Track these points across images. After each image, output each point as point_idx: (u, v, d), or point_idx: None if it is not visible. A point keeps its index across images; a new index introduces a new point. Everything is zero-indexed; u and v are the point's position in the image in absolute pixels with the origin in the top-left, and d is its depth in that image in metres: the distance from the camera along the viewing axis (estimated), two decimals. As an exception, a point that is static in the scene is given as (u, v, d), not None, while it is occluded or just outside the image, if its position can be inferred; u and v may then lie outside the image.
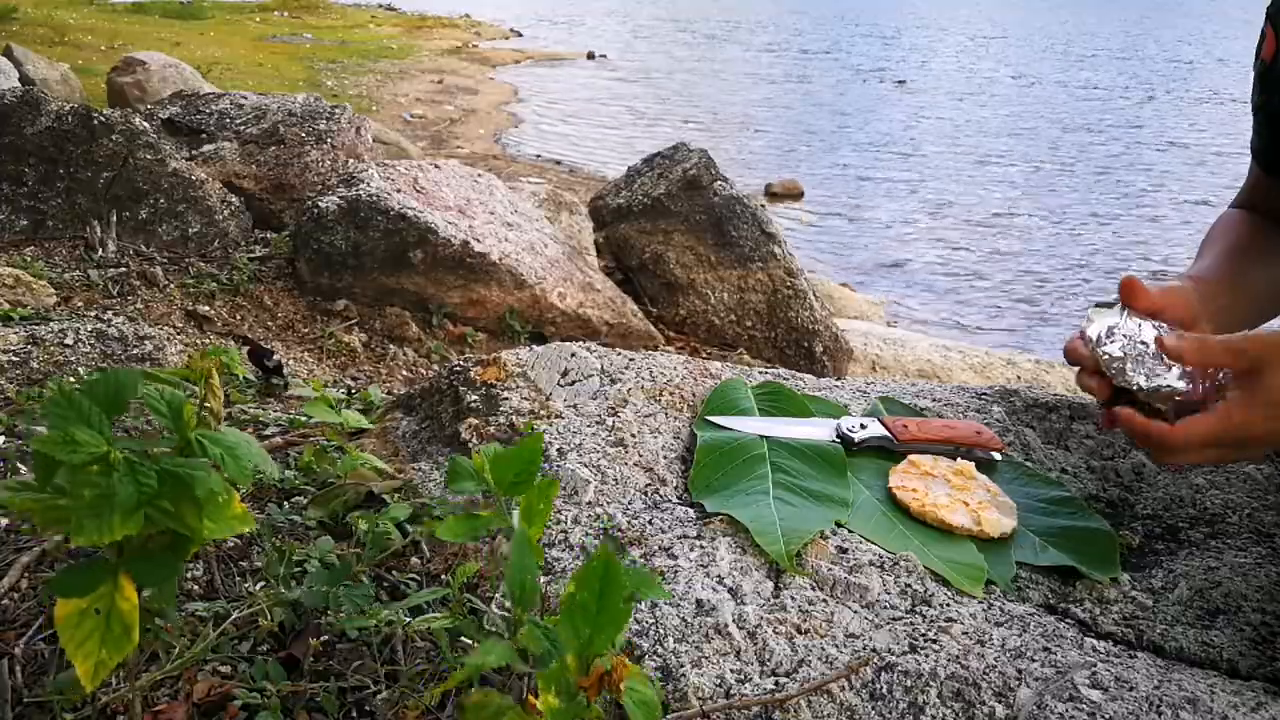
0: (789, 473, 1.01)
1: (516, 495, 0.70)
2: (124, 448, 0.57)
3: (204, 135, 3.46)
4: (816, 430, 1.09)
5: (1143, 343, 0.90)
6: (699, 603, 0.83)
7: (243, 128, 3.47)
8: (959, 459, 1.05)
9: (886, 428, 1.08)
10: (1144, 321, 0.92)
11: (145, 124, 3.05)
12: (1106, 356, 0.90)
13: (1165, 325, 0.92)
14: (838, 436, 1.08)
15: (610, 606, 0.61)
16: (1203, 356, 0.87)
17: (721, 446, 1.06)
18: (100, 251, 2.67)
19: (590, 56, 19.29)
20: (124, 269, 2.61)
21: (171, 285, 2.61)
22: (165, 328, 2.13)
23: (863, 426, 1.08)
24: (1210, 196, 9.61)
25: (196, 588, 0.94)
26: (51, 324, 1.77)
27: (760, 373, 1.31)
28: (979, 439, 1.09)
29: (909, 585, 0.88)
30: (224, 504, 0.61)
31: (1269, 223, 1.18)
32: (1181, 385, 0.88)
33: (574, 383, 1.21)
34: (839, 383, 1.32)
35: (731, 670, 0.77)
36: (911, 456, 1.04)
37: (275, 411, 1.49)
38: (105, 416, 0.57)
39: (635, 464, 1.05)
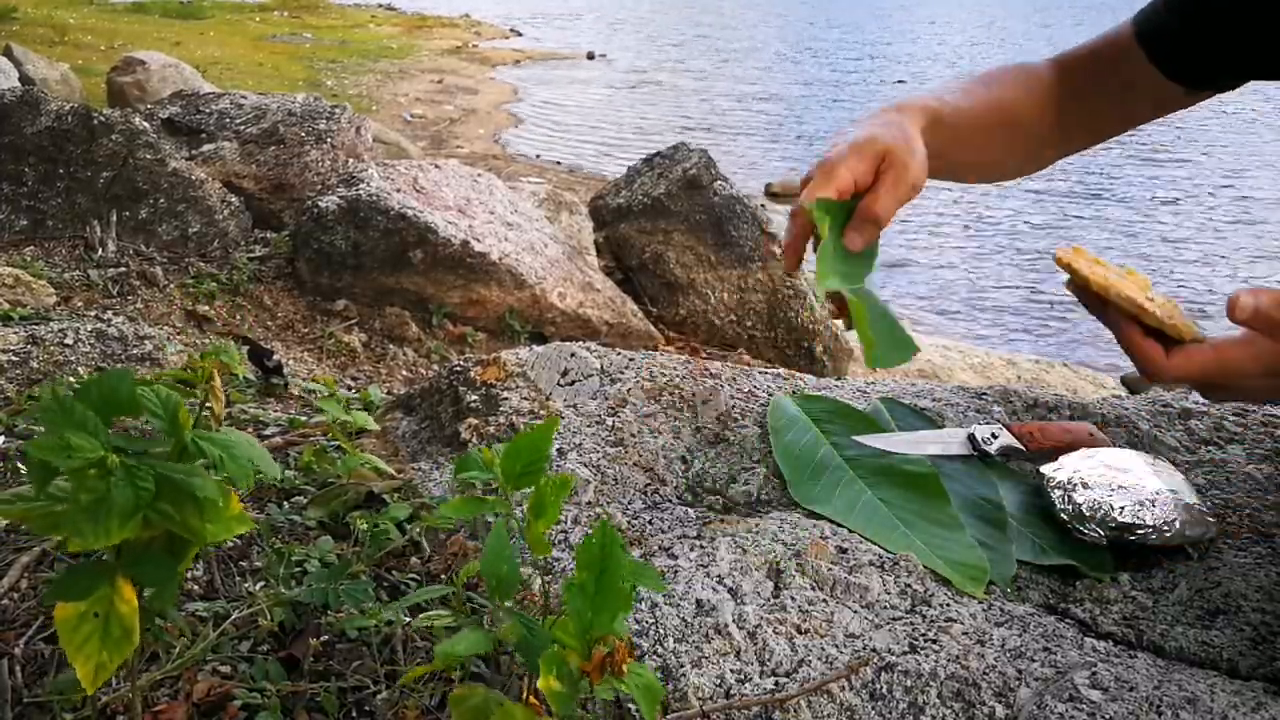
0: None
1: (524, 487, 0.70)
2: (121, 450, 0.57)
3: (204, 135, 3.46)
4: (951, 443, 1.10)
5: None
6: (699, 603, 0.83)
7: (242, 127, 3.47)
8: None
9: (1014, 435, 1.09)
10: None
11: (145, 124, 3.05)
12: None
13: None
14: (973, 448, 1.09)
15: (610, 585, 0.61)
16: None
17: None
18: (100, 251, 2.67)
19: (590, 56, 19.29)
20: (124, 269, 2.61)
21: (171, 285, 2.61)
22: (165, 327, 2.13)
23: (994, 436, 1.09)
24: (1212, 199, 9.62)
25: (196, 588, 0.93)
26: (51, 324, 1.77)
27: (775, 377, 1.31)
28: (1093, 440, 1.09)
29: (909, 585, 0.88)
30: (221, 506, 0.61)
31: (1061, 89, 1.12)
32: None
33: (574, 382, 1.21)
34: (839, 383, 1.32)
35: (731, 670, 0.77)
36: (1076, 246, 0.93)
37: (275, 411, 1.49)
38: (100, 420, 0.57)
39: (635, 464, 1.05)
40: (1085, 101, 1.13)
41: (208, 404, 0.64)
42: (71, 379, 1.54)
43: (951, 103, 1.05)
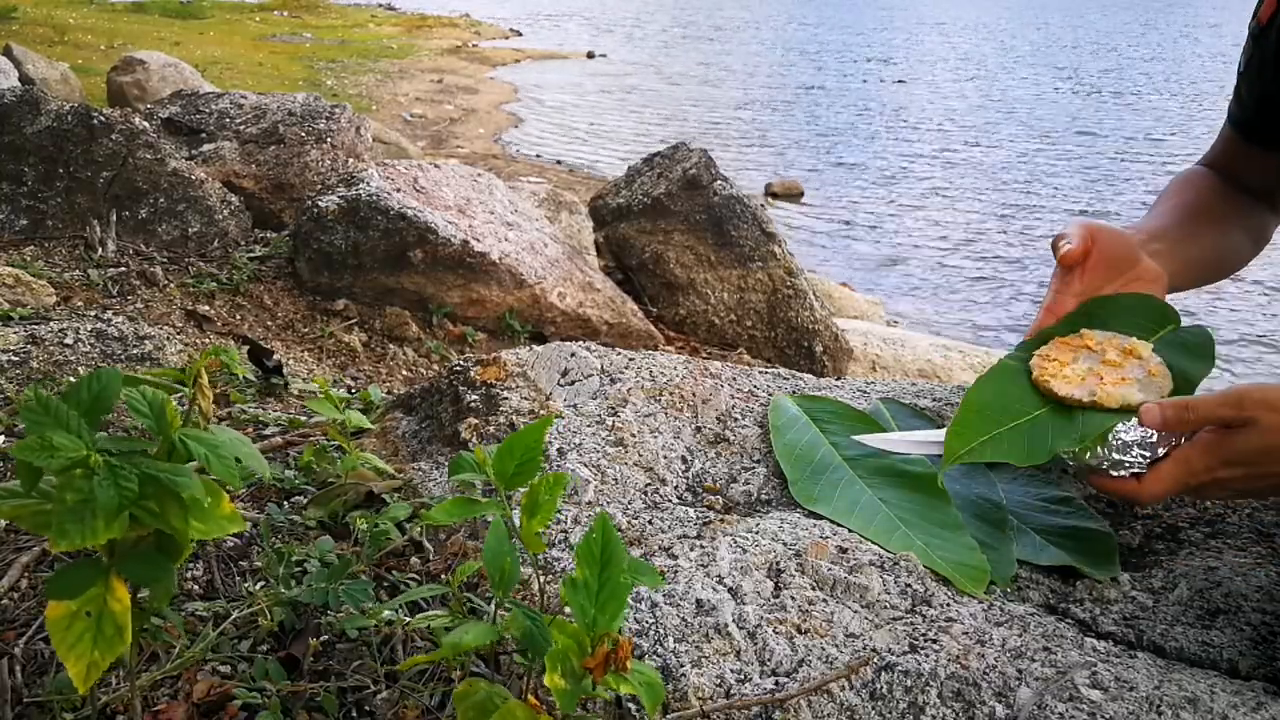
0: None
1: (518, 487, 0.70)
2: (105, 451, 0.56)
3: (204, 135, 3.46)
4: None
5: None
6: (699, 603, 0.83)
7: (242, 127, 3.47)
8: (1134, 338, 1.00)
9: None
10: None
11: (145, 123, 3.05)
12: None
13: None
14: None
15: (612, 580, 0.61)
16: (1189, 417, 0.86)
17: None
18: (100, 251, 2.67)
19: (590, 56, 19.30)
20: (124, 269, 2.61)
21: (171, 285, 2.61)
22: (165, 327, 2.13)
23: None
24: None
25: (196, 588, 0.93)
26: (51, 324, 1.77)
27: (768, 373, 1.31)
28: None
29: (909, 585, 0.87)
30: (211, 505, 0.61)
31: (1228, 184, 1.21)
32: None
33: (574, 382, 1.21)
34: (839, 382, 1.32)
35: (731, 670, 0.77)
36: (1084, 330, 1.01)
37: (275, 411, 1.49)
38: (84, 420, 0.57)
39: (635, 464, 1.05)
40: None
41: (197, 403, 0.64)
42: (71, 379, 1.54)
43: (1165, 239, 1.14)
